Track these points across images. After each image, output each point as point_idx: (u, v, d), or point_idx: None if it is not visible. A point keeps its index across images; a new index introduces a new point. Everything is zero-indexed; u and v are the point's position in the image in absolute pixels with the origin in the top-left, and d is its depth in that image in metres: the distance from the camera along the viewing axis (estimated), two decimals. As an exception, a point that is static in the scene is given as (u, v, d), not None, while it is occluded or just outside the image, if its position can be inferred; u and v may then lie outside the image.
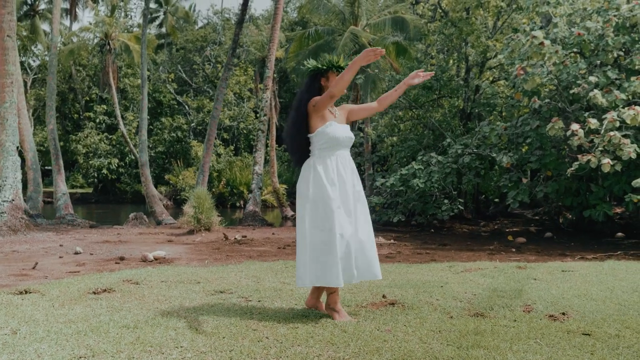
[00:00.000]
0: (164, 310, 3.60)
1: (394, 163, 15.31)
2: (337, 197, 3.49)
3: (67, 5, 29.83)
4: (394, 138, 16.39)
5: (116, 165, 27.75)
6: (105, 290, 4.31)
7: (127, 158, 27.60)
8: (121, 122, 24.84)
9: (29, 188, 14.53)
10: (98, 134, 27.60)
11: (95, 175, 27.90)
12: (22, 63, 29.23)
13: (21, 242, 8.68)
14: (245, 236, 10.42)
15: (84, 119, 28.66)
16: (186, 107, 30.03)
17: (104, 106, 28.19)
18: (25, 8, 35.05)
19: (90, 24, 27.08)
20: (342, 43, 14.82)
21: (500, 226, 14.05)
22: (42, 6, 35.28)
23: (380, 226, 13.26)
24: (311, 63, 3.71)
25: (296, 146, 3.70)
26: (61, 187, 15.52)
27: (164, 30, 40.78)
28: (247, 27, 28.75)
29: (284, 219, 18.70)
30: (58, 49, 29.55)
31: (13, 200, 9.14)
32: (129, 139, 25.00)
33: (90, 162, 27.07)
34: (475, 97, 14.32)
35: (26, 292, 4.29)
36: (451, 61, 14.36)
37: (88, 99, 29.47)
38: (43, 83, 29.46)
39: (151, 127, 29.95)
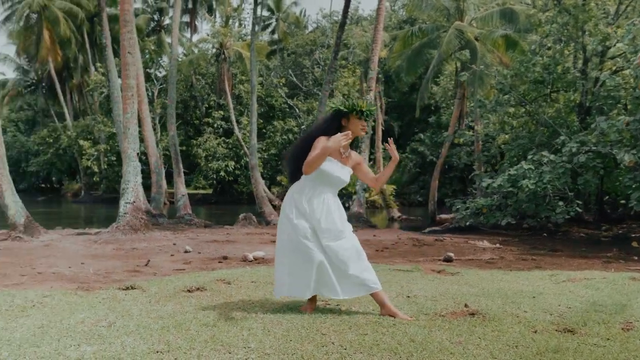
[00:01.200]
0: (244, 311, 3.75)
1: (504, 162, 14.62)
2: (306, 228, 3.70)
3: (187, 19, 31.93)
4: (506, 136, 15.64)
5: (233, 167, 29.21)
6: (198, 289, 4.58)
7: (243, 160, 28.93)
8: (236, 127, 26.09)
9: (153, 190, 15.79)
10: (216, 138, 29.24)
11: (214, 177, 29.57)
12: (149, 74, 31.71)
13: (140, 241, 9.47)
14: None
15: (203, 125, 30.49)
16: (296, 110, 30.87)
17: (221, 112, 29.80)
18: (152, 24, 38.12)
19: (208, 35, 28.76)
20: (446, 40, 14.42)
21: (626, 230, 12.89)
22: (167, 21, 38.13)
23: (488, 229, 12.75)
24: (335, 103, 3.85)
25: (294, 167, 3.86)
26: (181, 188, 16.63)
27: (276, 36, 42.35)
28: (352, 28, 28.97)
29: (390, 220, 18.59)
30: (180, 59, 31.77)
31: (134, 202, 10.01)
32: (243, 143, 26.20)
33: (209, 164, 28.75)
34: (595, 89, 13.24)
35: (131, 288, 4.68)
36: (566, 52, 13.36)
37: (207, 105, 31.31)
38: (166, 93, 31.74)
39: (264, 130, 31.16)
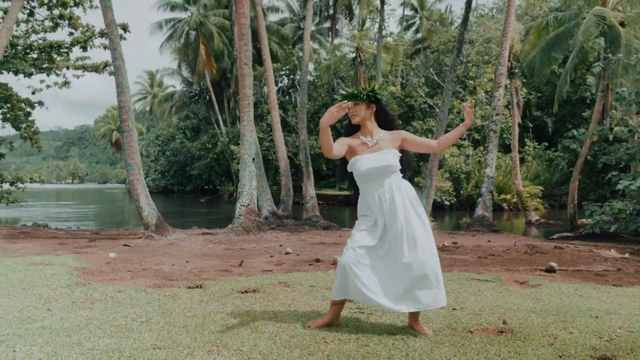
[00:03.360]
0: (269, 315, 3.89)
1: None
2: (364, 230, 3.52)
3: (329, 24, 32.93)
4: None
5: (371, 168, 29.48)
6: (253, 291, 4.82)
7: (381, 162, 29.08)
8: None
9: (282, 192, 16.60)
10: (355, 141, 29.76)
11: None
12: (293, 81, 33.29)
13: (250, 242, 10.08)
14: (455, 242, 10.14)
15: (344, 128, 31.21)
16: (436, 109, 30.19)
17: (360, 114, 30.25)
18: (299, 32, 39.95)
19: (348, 39, 29.40)
20: (582, 29, 13.09)
21: None
22: (312, 28, 39.67)
23: (628, 237, 11.38)
24: (340, 95, 3.69)
25: (342, 172, 3.79)
26: (310, 191, 17.25)
27: (420, 35, 41.85)
28: (485, 22, 27.57)
29: (527, 224, 17.40)
30: (318, 65, 32.84)
31: (248, 205, 10.68)
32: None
33: (348, 166, 29.32)
34: None
35: (197, 287, 5.09)
36: None
37: (347, 108, 31.98)
38: (309, 98, 33.01)
39: (403, 131, 30.99)
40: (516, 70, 17.44)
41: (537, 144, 33.26)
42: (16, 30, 22.28)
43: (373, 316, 3.88)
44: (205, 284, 5.24)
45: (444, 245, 9.75)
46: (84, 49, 20.90)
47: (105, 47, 20.90)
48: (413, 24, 42.45)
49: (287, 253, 8.70)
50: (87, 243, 10.07)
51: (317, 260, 7.76)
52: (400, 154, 3.60)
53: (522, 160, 31.91)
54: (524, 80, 28.03)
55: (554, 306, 4.30)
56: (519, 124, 29.24)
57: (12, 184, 19.61)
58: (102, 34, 20.29)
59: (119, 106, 10.83)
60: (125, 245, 9.72)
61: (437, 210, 25.83)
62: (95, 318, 3.78)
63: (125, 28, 20.77)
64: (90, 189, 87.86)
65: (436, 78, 31.99)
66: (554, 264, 6.91)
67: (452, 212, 25.60)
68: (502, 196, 25.18)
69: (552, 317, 3.88)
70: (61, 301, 4.40)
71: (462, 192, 26.55)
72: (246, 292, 4.79)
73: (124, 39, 21.05)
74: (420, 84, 31.08)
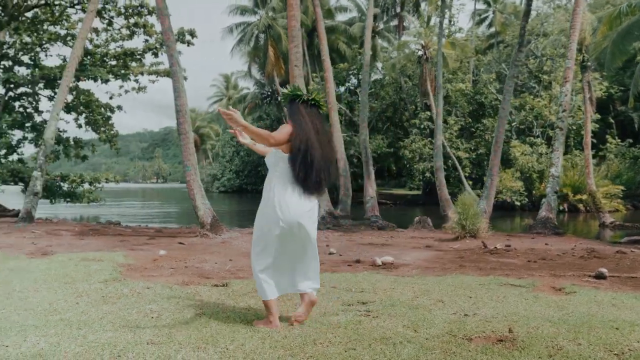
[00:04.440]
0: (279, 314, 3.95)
1: None
2: None
3: (397, 22, 32.60)
4: None
5: (439, 168, 28.94)
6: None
7: (449, 161, 28.43)
8: (440, 128, 25.79)
9: (340, 192, 16.65)
10: (422, 139, 29.26)
11: (421, 178, 29.62)
12: (360, 81, 33.24)
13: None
14: (509, 245, 9.76)
15: (412, 126, 30.77)
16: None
17: (428, 112, 29.70)
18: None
19: (415, 37, 28.96)
20: (656, 16, 12.18)
21: None
22: (380, 26, 39.44)
23: None
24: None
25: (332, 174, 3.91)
26: (370, 191, 17.20)
27: (493, 29, 40.50)
28: (554, 14, 26.22)
29: (601, 227, 16.44)
30: (383, 63, 32.55)
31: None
32: (445, 144, 25.76)
33: (415, 166, 28.92)
34: None
35: (221, 285, 5.25)
36: None
37: (414, 107, 31.53)
38: (376, 97, 32.84)
39: (472, 129, 30.13)
40: (589, 64, 16.48)
41: (620, 140, 31.31)
42: (97, 39, 23.75)
43: (377, 320, 3.85)
44: (232, 283, 5.39)
45: (495, 247, 9.43)
46: (155, 55, 21.93)
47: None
48: (486, 18, 41.15)
49: (330, 253, 8.74)
50: (146, 240, 10.58)
51: (357, 261, 7.75)
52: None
53: (602, 158, 30.13)
54: (604, 73, 26.45)
55: (576, 315, 4.08)
56: (597, 120, 27.68)
57: (90, 183, 20.91)
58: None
59: (176, 109, 11.30)
60: (180, 243, 10.13)
61: (506, 211, 24.93)
62: (112, 313, 4.01)
63: (192, 34, 21.62)
64: (171, 188, 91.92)
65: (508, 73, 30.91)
66: (604, 270, 6.52)
67: (523, 213, 24.62)
68: (578, 196, 23.92)
69: (567, 327, 3.69)
70: (92, 296, 4.69)
71: (534, 192, 25.47)
72: (266, 291, 4.88)
73: (192, 44, 21.93)
74: (491, 80, 30.10)
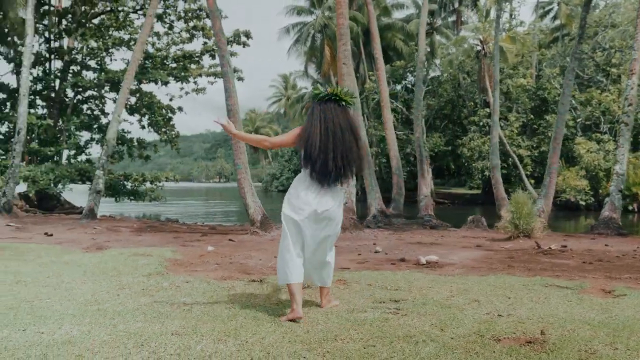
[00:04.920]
0: (306, 310, 3.96)
1: None
2: None
3: (454, 18, 31.93)
4: None
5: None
6: (306, 287, 4.93)
7: (509, 160, 27.59)
8: (497, 125, 25.07)
9: (393, 191, 16.49)
10: (481, 137, 28.53)
11: (480, 177, 28.90)
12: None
13: (345, 239, 10.19)
14: (565, 246, 9.35)
15: (470, 124, 30.08)
16: (572, 101, 27.89)
17: (487, 109, 28.94)
18: (426, 27, 39.24)
19: (472, 31, 28.29)
20: None
21: None
22: (439, 22, 38.77)
23: None
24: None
25: (354, 165, 4.03)
26: (424, 189, 16.94)
27: (558, 22, 38.94)
28: (623, 4, 24.80)
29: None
30: (444, 59, 31.94)
31: (346, 203, 10.79)
32: (505, 141, 24.98)
33: (474, 164, 28.23)
34: None
35: (257, 281, 5.32)
36: None
37: (473, 104, 30.79)
38: (433, 94, 32.29)
39: (535, 126, 29.09)
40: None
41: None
42: (158, 43, 24.64)
43: (404, 318, 3.79)
44: (269, 279, 5.45)
45: (549, 248, 9.06)
46: (213, 57, 22.47)
47: (232, 55, 22.31)
48: (550, 10, 39.62)
49: (375, 252, 8.68)
50: (198, 237, 10.87)
51: (402, 260, 7.65)
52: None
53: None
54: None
55: (619, 319, 3.85)
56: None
57: (151, 182, 21.71)
58: (227, 42, 21.64)
59: (227, 109, 11.54)
60: (230, 240, 10.35)
61: (570, 211, 23.93)
62: (147, 305, 4.14)
63: (247, 35, 22.03)
64: (233, 187, 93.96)
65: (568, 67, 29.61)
66: (662, 272, 6.14)
67: (588, 213, 23.53)
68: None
69: (606, 330, 3.50)
70: (133, 288, 4.86)
71: (600, 191, 24.28)
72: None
73: (247, 45, 22.33)
74: (555, 74, 28.94)
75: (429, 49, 38.52)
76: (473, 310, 4.05)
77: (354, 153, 3.97)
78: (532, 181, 26.48)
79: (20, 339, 3.15)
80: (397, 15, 39.45)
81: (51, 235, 10.52)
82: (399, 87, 35.05)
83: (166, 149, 28.66)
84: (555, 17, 39.30)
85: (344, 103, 4.01)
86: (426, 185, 17.22)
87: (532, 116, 28.96)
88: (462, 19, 34.91)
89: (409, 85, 34.90)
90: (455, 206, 30.34)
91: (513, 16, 31.44)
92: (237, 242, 10.05)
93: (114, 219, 15.53)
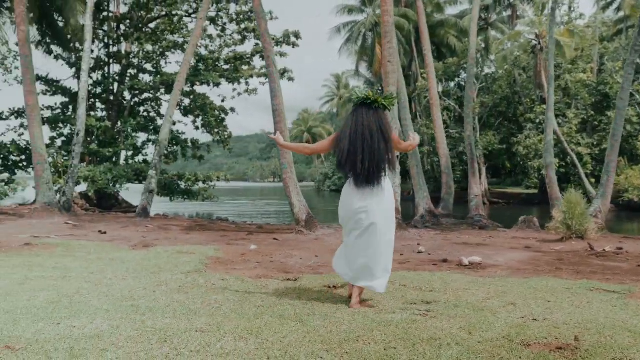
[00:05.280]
0: (333, 310, 3.94)
1: None
2: None
3: (510, 12, 31.02)
4: None
5: (557, 165, 27.08)
6: (338, 287, 4.92)
7: (569, 158, 26.52)
8: (553, 120, 24.15)
9: (443, 190, 16.19)
10: (537, 135, 27.59)
11: (537, 176, 27.96)
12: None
13: (397, 240, 10.06)
14: (620, 248, 8.90)
15: (527, 121, 29.14)
16: (638, 96, 26.54)
17: (544, 106, 27.93)
18: (481, 23, 38.33)
19: (529, 25, 27.39)
20: None
21: None
22: (494, 17, 37.76)
23: None
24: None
25: (384, 165, 4.14)
26: (474, 189, 16.53)
27: (622, 14, 37.11)
28: None
29: None
30: (498, 55, 31.06)
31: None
32: (563, 139, 24.04)
33: (530, 163, 27.33)
34: None
35: (291, 280, 5.34)
36: None
37: (529, 100, 29.81)
38: (487, 91, 31.48)
39: (595, 122, 27.88)
40: None
41: None
42: (211, 45, 25.18)
43: (433, 320, 3.70)
44: (304, 278, 5.47)
45: (603, 250, 8.64)
46: (263, 57, 22.72)
47: (281, 55, 22.54)
48: (613, 1, 37.81)
49: (419, 252, 8.54)
50: (244, 236, 11.03)
51: (444, 261, 7.50)
52: None
53: None
54: None
55: (665, 325, 3.62)
56: None
57: (203, 182, 22.21)
58: (277, 43, 21.87)
59: (272, 109, 11.64)
60: (274, 239, 10.44)
61: (633, 212, 22.78)
62: (179, 301, 4.23)
63: (297, 35, 22.17)
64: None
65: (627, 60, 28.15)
66: None
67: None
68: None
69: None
70: (170, 285, 4.98)
71: (667, 191, 22.97)
72: (330, 287, 4.90)
73: (297, 45, 22.48)
74: (617, 68, 27.60)
75: (483, 45, 37.62)
76: (507, 314, 3.91)
77: (382, 153, 4.05)
78: (593, 180, 25.34)
79: (53, 332, 3.28)
80: (451, 11, 38.76)
81: (104, 233, 10.93)
82: (452, 84, 34.39)
83: (223, 150, 29.24)
84: (618, 9, 37.44)
85: (376, 105, 4.12)
86: (477, 184, 16.80)
87: (592, 112, 27.75)
88: (518, 14, 33.82)
89: (462, 83, 34.17)
90: (510, 206, 29.48)
91: (572, 9, 30.19)
92: (281, 241, 10.13)
93: (166, 218, 15.99)
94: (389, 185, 4.26)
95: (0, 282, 4.98)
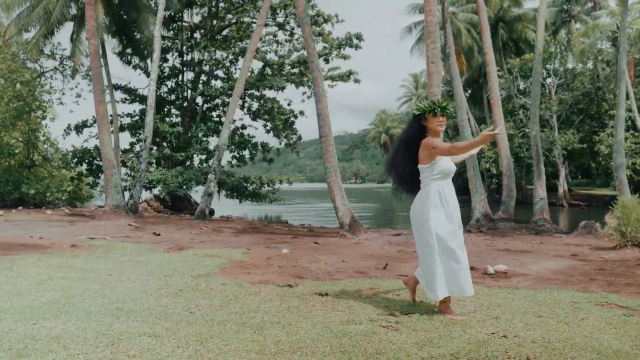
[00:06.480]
0: (307, 316, 3.96)
1: None
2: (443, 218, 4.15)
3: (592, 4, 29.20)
4: None
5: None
6: (326, 294, 4.92)
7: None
8: (622, 120, 22.46)
9: (503, 193, 15.55)
10: (624, 132, 25.76)
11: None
12: (549, 71, 30.62)
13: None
14: (675, 257, 8.16)
15: (611, 118, 27.28)
16: None
17: (629, 101, 26.04)
18: (563, 15, 36.36)
19: (609, 16, 25.64)
20: None
21: None
22: (577, 9, 35.69)
23: None
24: (418, 107, 4.25)
25: (407, 176, 4.38)
26: (539, 191, 15.73)
27: None
28: None
29: None
30: (576, 49, 29.31)
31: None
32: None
33: (611, 162, 25.56)
34: None
35: (287, 286, 5.39)
36: None
37: (613, 96, 27.87)
38: (567, 87, 29.82)
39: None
40: None
41: None
42: (281, 50, 25.71)
43: (394, 332, 3.62)
44: (306, 284, 5.50)
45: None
46: (327, 61, 22.91)
47: (344, 58, 22.61)
48: None
49: (451, 258, 8.28)
50: (289, 239, 11.20)
51: (471, 269, 7.21)
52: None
53: None
54: None
55: (645, 349, 3.32)
56: None
57: (268, 184, 22.74)
58: (339, 46, 21.96)
59: (317, 113, 11.72)
60: (315, 242, 10.52)
61: None
62: (165, 305, 4.42)
63: (359, 37, 22.15)
64: (368, 188, 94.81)
65: None
66: None
67: None
68: None
69: (611, 361, 3.05)
70: (171, 289, 5.20)
71: None
72: (320, 294, 4.91)
73: (360, 47, 22.44)
74: None
75: (565, 38, 35.63)
76: (478, 329, 3.75)
77: (400, 159, 4.36)
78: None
79: (22, 331, 3.55)
80: (529, 5, 37.07)
81: (158, 234, 11.50)
82: (529, 82, 32.84)
83: (305, 151, 29.72)
84: None
85: (415, 112, 4.27)
86: (541, 186, 15.96)
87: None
88: (601, 5, 31.73)
89: (541, 79, 32.56)
90: (590, 209, 27.74)
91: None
92: (320, 244, 10.19)
93: (225, 220, 16.54)
94: (420, 194, 4.28)
95: (22, 282, 5.42)
